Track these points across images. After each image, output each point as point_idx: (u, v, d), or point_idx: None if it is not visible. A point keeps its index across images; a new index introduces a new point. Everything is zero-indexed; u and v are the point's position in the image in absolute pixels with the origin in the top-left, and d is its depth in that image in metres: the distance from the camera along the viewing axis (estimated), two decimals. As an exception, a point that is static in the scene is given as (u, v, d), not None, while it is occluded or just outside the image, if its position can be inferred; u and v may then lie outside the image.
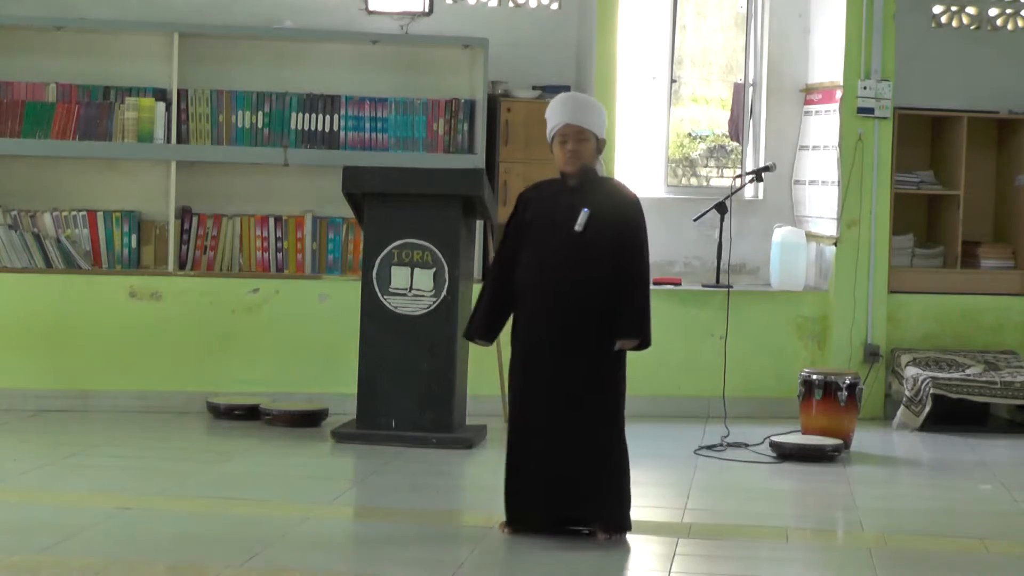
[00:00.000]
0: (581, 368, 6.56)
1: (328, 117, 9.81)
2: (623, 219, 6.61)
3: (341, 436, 8.70)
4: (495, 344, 9.41)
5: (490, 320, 6.79)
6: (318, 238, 9.90)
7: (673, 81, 10.60)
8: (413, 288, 8.75)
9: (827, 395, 8.90)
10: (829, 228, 10.10)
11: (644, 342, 6.65)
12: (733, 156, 10.98)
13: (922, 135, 10.47)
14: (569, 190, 6.67)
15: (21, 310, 9.47)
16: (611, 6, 9.83)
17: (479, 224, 9.48)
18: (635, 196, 6.76)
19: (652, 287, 9.92)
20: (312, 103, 9.82)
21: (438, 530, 6.77)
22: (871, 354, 9.96)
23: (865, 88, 9.93)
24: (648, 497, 7.58)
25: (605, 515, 6.61)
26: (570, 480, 6.56)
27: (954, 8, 10.53)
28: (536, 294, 6.61)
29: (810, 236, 10.29)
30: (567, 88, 10.00)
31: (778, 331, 10.01)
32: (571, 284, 6.55)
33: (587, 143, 6.64)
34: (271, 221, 9.88)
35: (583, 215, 6.57)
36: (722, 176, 11.02)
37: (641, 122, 10.55)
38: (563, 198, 6.65)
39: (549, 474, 6.57)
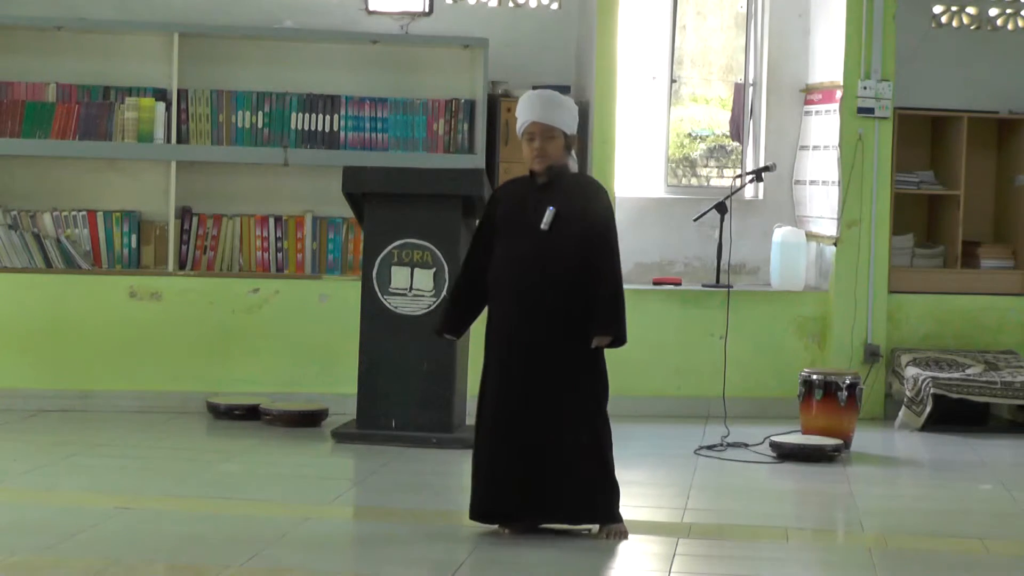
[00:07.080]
0: (553, 367, 6.54)
1: (328, 117, 9.81)
2: (591, 216, 6.58)
3: (341, 436, 8.70)
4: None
5: (456, 317, 6.84)
6: (318, 238, 9.90)
7: (673, 81, 10.60)
8: (413, 288, 8.75)
9: (827, 395, 8.90)
10: (829, 228, 10.10)
11: (618, 339, 6.61)
12: (733, 156, 10.98)
13: (922, 135, 10.46)
14: (537, 188, 6.65)
15: (21, 310, 9.47)
16: (611, 6, 9.82)
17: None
18: (604, 191, 6.75)
19: (652, 287, 10.07)
20: (312, 103, 9.82)
21: (438, 530, 6.76)
22: (871, 354, 9.96)
23: (865, 88, 9.92)
24: (648, 497, 7.59)
25: (594, 514, 6.61)
26: (545, 481, 6.53)
27: (954, 8, 10.53)
28: (505, 293, 6.61)
29: (810, 236, 10.29)
30: (567, 88, 10.01)
31: (778, 331, 10.00)
32: (538, 283, 6.53)
33: (554, 140, 6.61)
34: (271, 221, 9.88)
35: (548, 213, 6.55)
36: (722, 176, 11.02)
37: (641, 122, 10.55)
38: (531, 196, 6.64)
39: (522, 475, 6.54)
